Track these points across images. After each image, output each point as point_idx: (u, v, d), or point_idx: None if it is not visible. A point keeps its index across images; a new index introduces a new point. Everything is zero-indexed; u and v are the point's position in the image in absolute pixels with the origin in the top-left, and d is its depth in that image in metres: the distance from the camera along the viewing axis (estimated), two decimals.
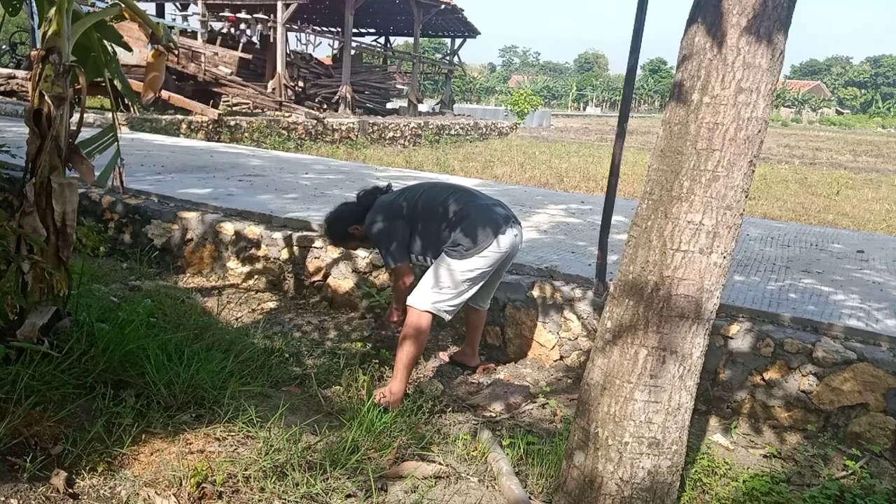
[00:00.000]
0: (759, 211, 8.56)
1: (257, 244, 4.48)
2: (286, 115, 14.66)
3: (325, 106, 17.62)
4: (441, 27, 24.03)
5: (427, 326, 2.96)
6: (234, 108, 16.48)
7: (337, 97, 17.76)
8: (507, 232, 2.98)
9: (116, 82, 3.34)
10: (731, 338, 3.14)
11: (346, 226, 3.25)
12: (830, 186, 12.06)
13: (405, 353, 2.93)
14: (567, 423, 2.93)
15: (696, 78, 1.86)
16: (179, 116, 11.96)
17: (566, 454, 2.21)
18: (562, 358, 3.59)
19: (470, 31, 23.89)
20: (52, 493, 2.12)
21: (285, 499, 2.21)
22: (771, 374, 3.07)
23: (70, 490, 2.15)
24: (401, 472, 2.44)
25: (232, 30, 17.35)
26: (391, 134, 16.55)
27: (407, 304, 3.01)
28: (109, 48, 3.21)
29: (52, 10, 2.68)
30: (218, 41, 17.09)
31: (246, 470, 2.30)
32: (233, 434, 2.55)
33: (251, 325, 3.77)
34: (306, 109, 15.56)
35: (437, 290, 2.95)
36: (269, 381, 3.04)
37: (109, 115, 3.40)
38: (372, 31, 25.44)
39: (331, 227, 3.32)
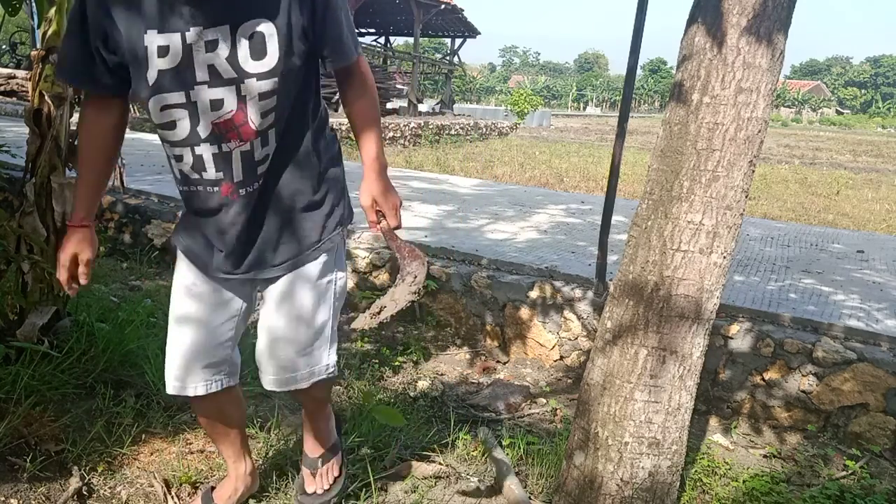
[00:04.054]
0: (759, 211, 8.55)
1: None
2: None
3: None
4: (441, 27, 24.03)
5: None
6: None
7: (337, 97, 17.76)
8: None
9: None
10: (731, 338, 3.14)
11: None
12: (830, 186, 12.06)
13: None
14: (567, 423, 2.93)
15: (696, 78, 1.86)
16: None
17: (566, 454, 2.21)
18: (562, 358, 3.59)
19: (470, 31, 23.88)
20: (56, 493, 2.12)
21: (285, 499, 2.21)
22: (771, 374, 3.07)
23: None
24: (401, 472, 2.44)
25: None
26: (391, 134, 16.55)
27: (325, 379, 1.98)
28: None
29: (52, 10, 2.68)
30: None
31: None
32: None
33: (251, 326, 3.75)
34: None
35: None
36: None
37: None
38: (372, 31, 25.43)
39: None
